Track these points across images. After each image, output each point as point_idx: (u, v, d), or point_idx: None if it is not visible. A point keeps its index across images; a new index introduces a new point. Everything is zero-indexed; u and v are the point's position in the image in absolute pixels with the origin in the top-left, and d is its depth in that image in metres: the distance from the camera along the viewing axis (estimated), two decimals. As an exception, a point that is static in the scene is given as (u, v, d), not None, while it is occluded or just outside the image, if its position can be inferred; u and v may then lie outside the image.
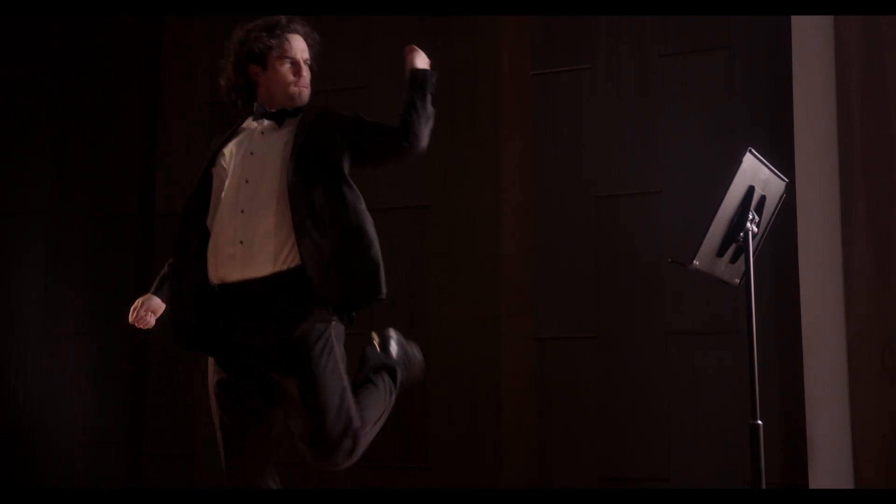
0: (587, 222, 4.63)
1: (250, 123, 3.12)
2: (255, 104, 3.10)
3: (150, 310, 3.06)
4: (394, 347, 3.31)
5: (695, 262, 2.91)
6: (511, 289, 4.69)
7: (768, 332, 4.23)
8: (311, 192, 2.93)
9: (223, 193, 2.99)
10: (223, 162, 3.04)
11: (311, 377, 2.87)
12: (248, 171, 2.98)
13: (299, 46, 3.13)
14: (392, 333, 3.35)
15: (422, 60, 3.15)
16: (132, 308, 3.05)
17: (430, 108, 3.08)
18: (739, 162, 2.93)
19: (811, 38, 4.20)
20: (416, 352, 3.42)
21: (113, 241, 5.34)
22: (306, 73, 3.13)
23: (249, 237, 2.91)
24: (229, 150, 3.06)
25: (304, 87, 3.12)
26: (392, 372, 3.22)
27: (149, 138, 5.39)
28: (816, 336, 4.07)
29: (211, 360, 3.03)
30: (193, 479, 5.02)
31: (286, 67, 3.09)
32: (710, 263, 2.99)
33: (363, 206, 3.05)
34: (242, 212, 2.93)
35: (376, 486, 4.71)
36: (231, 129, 3.14)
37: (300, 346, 2.88)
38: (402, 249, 4.87)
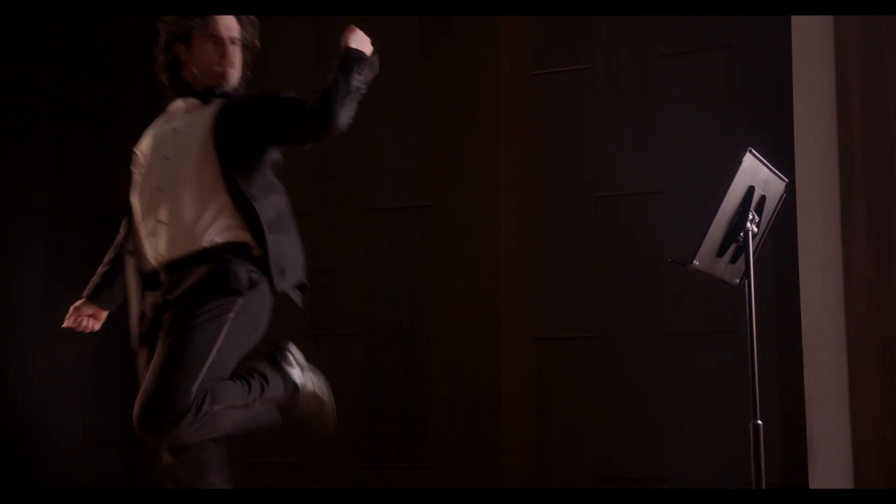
0: (587, 222, 4.63)
1: (178, 103, 3.07)
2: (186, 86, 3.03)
3: (86, 315, 3.05)
4: (293, 368, 3.07)
5: (695, 262, 2.91)
6: (511, 289, 4.69)
7: (768, 332, 4.23)
8: (238, 171, 2.86)
9: (143, 171, 2.93)
10: (146, 142, 2.99)
11: (177, 338, 2.73)
12: (169, 149, 2.92)
13: (226, 24, 3.03)
14: (295, 354, 3.12)
15: (357, 40, 3.00)
16: (67, 315, 3.03)
17: (354, 86, 2.90)
18: (739, 162, 2.93)
19: (811, 38, 4.20)
20: (315, 386, 3.15)
21: (112, 241, 5.32)
22: (232, 53, 3.03)
23: (169, 215, 2.84)
24: (153, 130, 3.02)
25: (229, 67, 3.02)
26: (268, 384, 2.97)
27: (148, 138, 5.39)
28: (816, 336, 4.07)
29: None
30: (193, 479, 5.02)
31: (209, 45, 3.01)
32: (710, 263, 2.99)
33: (283, 195, 3.00)
34: (160, 190, 2.86)
35: (376, 486, 4.71)
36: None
37: (189, 313, 2.76)
38: (402, 249, 4.88)
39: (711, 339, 4.39)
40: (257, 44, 3.16)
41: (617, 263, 4.57)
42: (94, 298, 3.08)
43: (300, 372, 3.06)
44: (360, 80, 2.93)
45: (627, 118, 4.62)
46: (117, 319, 5.27)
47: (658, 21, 4.61)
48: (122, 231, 3.10)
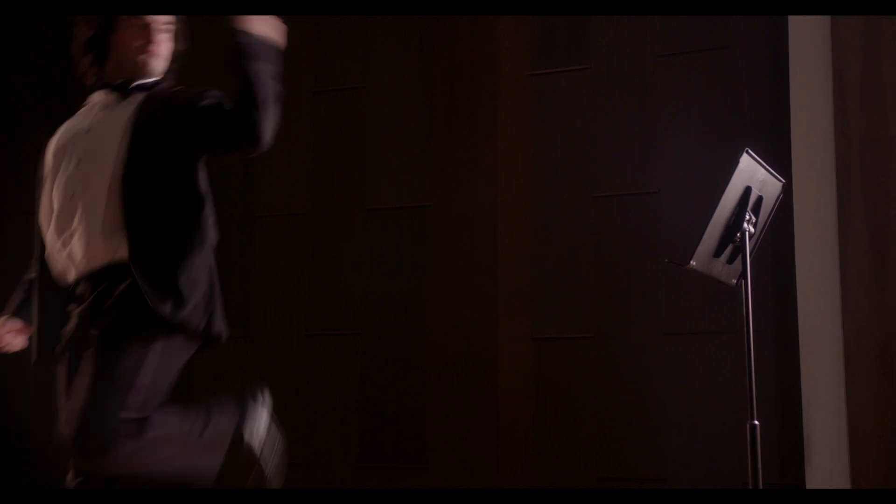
0: (585, 222, 4.64)
1: (95, 96, 2.79)
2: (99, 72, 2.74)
3: (12, 331, 2.80)
4: (254, 413, 2.72)
5: (692, 262, 2.92)
6: (509, 289, 4.69)
7: (765, 333, 4.24)
8: (147, 181, 2.56)
9: (55, 175, 2.65)
10: (57, 141, 2.72)
11: (106, 357, 2.47)
12: (83, 151, 2.64)
13: None
14: (259, 414, 2.74)
15: (260, 24, 2.64)
16: None
17: (269, 83, 2.55)
18: (736, 162, 2.94)
19: (808, 38, 4.20)
20: (265, 450, 2.75)
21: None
22: (160, 41, 2.72)
23: (84, 223, 2.57)
24: (67, 126, 2.74)
25: (154, 56, 2.72)
26: (216, 418, 2.66)
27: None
28: (814, 336, 4.07)
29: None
30: (192, 478, 5.02)
31: (134, 30, 2.70)
32: (707, 264, 2.99)
33: (206, 213, 2.64)
34: (74, 195, 2.60)
35: (374, 485, 4.72)
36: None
37: (117, 330, 2.51)
38: (401, 249, 4.88)
39: (709, 340, 4.39)
40: (188, 35, 2.90)
41: (615, 263, 4.57)
42: (18, 314, 2.82)
43: (259, 422, 2.71)
44: (273, 73, 2.58)
45: (626, 118, 4.63)
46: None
47: (656, 21, 4.61)
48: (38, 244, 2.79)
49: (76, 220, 2.59)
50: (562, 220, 4.67)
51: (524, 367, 4.63)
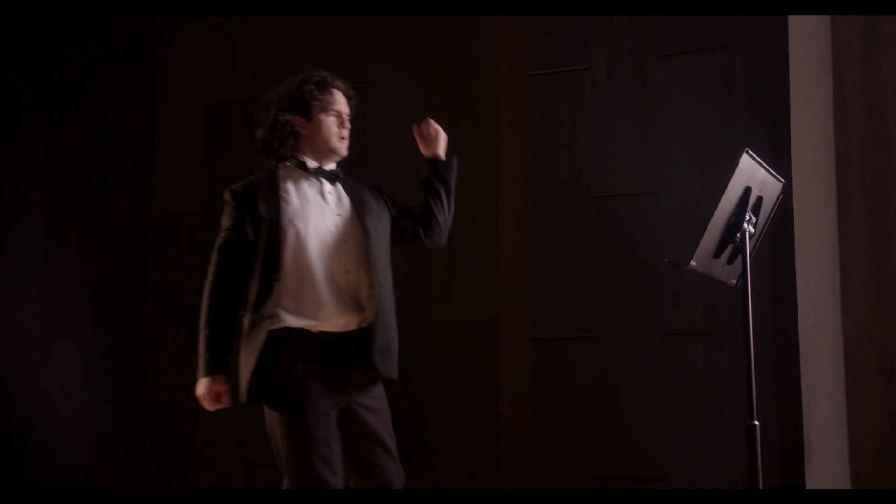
0: (585, 222, 4.64)
1: (303, 177, 3.10)
2: (306, 159, 3.09)
3: (219, 391, 2.98)
4: None
5: (692, 262, 2.91)
6: (509, 289, 4.69)
7: (765, 333, 4.23)
8: (380, 255, 3.08)
9: (316, 250, 3.00)
10: (295, 217, 3.02)
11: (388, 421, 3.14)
12: (343, 233, 3.04)
13: (341, 100, 3.15)
14: None
15: (443, 143, 3.23)
16: (202, 397, 2.98)
17: (452, 202, 3.25)
18: (736, 163, 2.94)
19: (808, 38, 4.20)
20: None
21: (111, 241, 5.34)
22: (348, 128, 3.16)
23: (355, 294, 3.01)
24: (296, 203, 3.05)
25: (345, 141, 3.15)
26: None
27: (146, 139, 5.39)
28: (813, 336, 4.07)
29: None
30: (191, 479, 5.03)
31: (332, 119, 3.11)
32: (707, 264, 2.99)
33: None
34: (348, 272, 3.01)
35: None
36: (269, 179, 3.08)
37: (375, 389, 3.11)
38: (401, 249, 4.87)
39: (709, 340, 4.39)
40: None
41: (615, 264, 4.57)
42: (223, 371, 3.01)
43: None
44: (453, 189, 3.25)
45: (626, 118, 4.63)
46: (115, 320, 5.29)
47: (656, 21, 4.61)
48: (249, 293, 3.04)
49: (351, 289, 3.01)
50: (562, 220, 4.67)
51: (524, 368, 4.63)
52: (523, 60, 4.82)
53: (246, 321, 3.00)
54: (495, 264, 4.73)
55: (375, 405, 3.04)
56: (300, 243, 2.99)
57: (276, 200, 3.02)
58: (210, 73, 5.34)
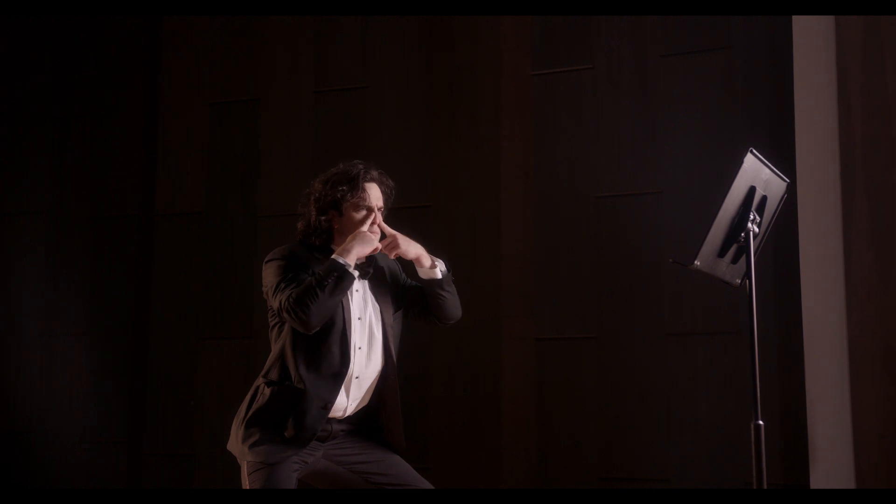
0: (587, 222, 4.64)
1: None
2: (368, 270, 3.18)
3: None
4: None
5: (696, 262, 2.90)
6: (511, 289, 4.69)
7: (769, 333, 4.23)
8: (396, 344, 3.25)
9: (357, 339, 3.14)
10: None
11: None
12: (359, 338, 3.15)
13: (374, 195, 3.20)
14: None
15: (404, 243, 3.18)
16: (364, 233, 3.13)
17: (454, 289, 3.28)
18: (741, 162, 2.93)
19: (812, 38, 4.20)
20: None
21: (113, 241, 5.33)
22: (379, 220, 3.21)
23: (366, 376, 3.15)
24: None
25: (375, 234, 3.20)
26: None
27: (148, 139, 5.39)
28: (817, 336, 4.07)
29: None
30: (193, 479, 5.02)
31: (361, 215, 3.18)
32: (711, 264, 2.98)
33: None
34: (357, 377, 3.13)
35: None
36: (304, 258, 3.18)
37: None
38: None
39: (712, 340, 4.39)
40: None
41: (617, 264, 4.57)
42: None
43: None
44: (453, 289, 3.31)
45: (627, 118, 4.63)
46: (116, 321, 5.28)
47: (658, 21, 4.61)
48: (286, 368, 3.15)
49: (371, 389, 3.18)
50: (564, 220, 4.67)
51: (526, 368, 4.62)
52: (524, 60, 4.82)
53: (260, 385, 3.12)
54: (497, 265, 4.72)
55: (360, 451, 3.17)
56: (317, 336, 3.10)
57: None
58: (213, 73, 5.33)
